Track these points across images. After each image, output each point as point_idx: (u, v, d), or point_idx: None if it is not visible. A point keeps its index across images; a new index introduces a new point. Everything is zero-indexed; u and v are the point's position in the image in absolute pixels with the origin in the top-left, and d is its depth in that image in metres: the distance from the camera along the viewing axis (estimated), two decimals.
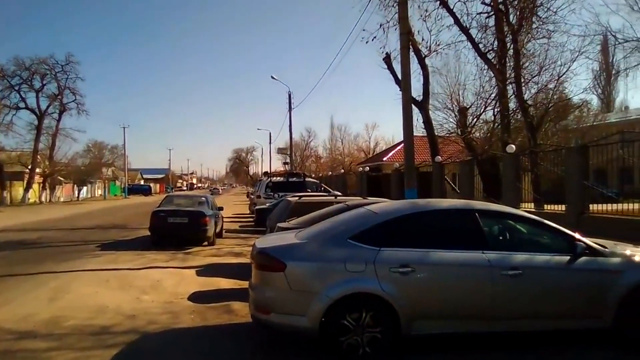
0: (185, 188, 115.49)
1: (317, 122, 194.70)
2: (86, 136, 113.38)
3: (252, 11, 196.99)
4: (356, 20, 37.74)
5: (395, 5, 15.60)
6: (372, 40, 19.89)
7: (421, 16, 19.06)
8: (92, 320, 6.57)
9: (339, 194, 20.12)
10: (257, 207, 18.92)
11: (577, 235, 5.38)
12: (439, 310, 5.01)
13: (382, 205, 6.22)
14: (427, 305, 4.97)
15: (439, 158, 19.86)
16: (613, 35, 13.60)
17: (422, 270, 4.95)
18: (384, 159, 41.13)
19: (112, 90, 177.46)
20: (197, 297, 7.93)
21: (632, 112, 41.35)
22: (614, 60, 15.64)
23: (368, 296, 4.88)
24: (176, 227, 14.15)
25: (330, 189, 24.49)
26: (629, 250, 5.64)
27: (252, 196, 27.58)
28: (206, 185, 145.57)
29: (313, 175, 45.25)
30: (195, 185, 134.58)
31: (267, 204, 17.10)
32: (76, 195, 61.59)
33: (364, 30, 20.00)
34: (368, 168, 32.13)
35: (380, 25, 19.62)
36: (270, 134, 64.63)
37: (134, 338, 5.82)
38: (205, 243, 14.53)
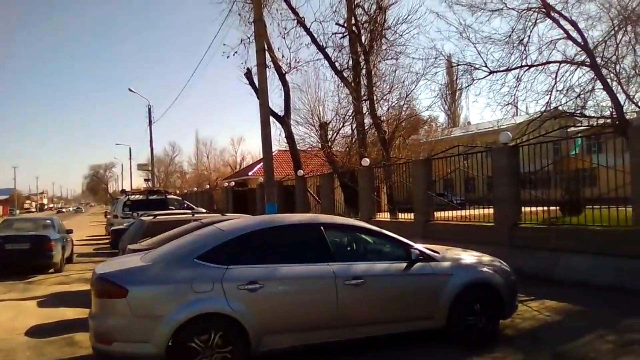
0: (34, 209, 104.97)
1: (182, 136, 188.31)
2: None
3: (108, 20, 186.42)
4: (217, 35, 37.59)
5: (253, 22, 15.76)
6: (234, 55, 20.05)
7: (280, 33, 19.60)
8: None
9: (204, 210, 19.67)
10: (113, 228, 17.82)
11: (412, 243, 5.82)
12: (288, 324, 5.09)
13: (230, 222, 6.19)
14: (276, 320, 5.03)
15: (301, 172, 20.33)
16: (448, 59, 15.06)
17: (270, 285, 5.01)
18: (250, 173, 41.07)
19: None
20: (36, 331, 7.21)
21: (472, 126, 46.06)
22: (456, 79, 17.52)
23: (216, 316, 4.83)
24: (16, 254, 12.76)
25: (194, 206, 23.84)
26: (458, 254, 6.24)
27: (109, 216, 25.89)
28: (59, 206, 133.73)
29: (178, 192, 43.82)
30: (46, 206, 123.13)
31: (125, 224, 16.18)
32: None
33: (224, 44, 20.02)
34: (234, 183, 31.85)
35: (241, 41, 19.85)
36: (130, 149, 61.31)
37: None
38: (52, 270, 13.30)
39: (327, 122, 22.20)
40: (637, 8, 10.33)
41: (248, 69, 20.97)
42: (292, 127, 21.92)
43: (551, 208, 11.01)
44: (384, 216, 15.85)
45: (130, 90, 39.02)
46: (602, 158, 9.56)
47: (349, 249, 5.96)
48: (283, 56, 20.56)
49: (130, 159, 60.01)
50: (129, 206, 20.57)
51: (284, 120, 21.35)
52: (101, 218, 49.94)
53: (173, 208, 19.63)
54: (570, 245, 9.03)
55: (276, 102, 39.55)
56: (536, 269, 9.26)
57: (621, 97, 10.70)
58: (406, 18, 19.13)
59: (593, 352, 5.40)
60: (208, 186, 42.70)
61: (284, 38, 19.72)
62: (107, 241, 20.72)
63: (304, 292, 5.18)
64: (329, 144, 21.63)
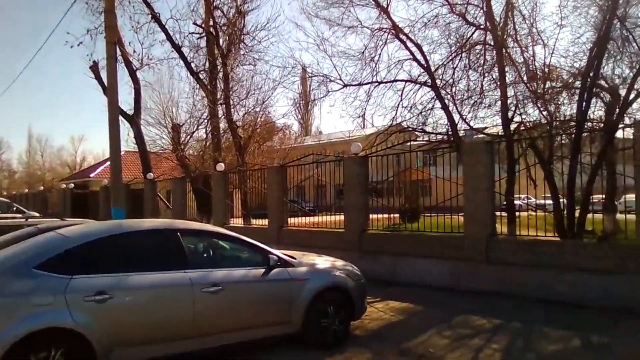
0: None
1: (12, 132, 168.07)
2: None
3: None
4: (61, 21, 34.09)
5: (103, 12, 14.73)
6: (78, 45, 18.56)
7: (133, 27, 18.58)
8: None
9: (37, 215, 17.83)
10: None
11: (270, 249, 5.87)
12: (141, 336, 4.80)
13: (75, 228, 5.65)
14: (128, 333, 4.72)
15: (151, 175, 19.44)
16: (304, 69, 15.52)
17: (120, 296, 4.68)
18: (92, 175, 38.22)
19: None
20: None
21: (324, 136, 48.02)
22: (310, 90, 18.07)
23: (58, 331, 4.37)
24: None
25: (25, 210, 21.46)
26: (313, 259, 6.42)
27: None
28: None
29: (5, 194, 39.09)
30: None
31: None
32: None
33: (68, 33, 18.40)
34: (73, 185, 29.28)
35: (88, 31, 18.48)
36: None
37: None
38: None
39: (181, 124, 21.58)
40: (472, 38, 11.66)
41: (95, 61, 19.65)
42: (142, 127, 20.98)
43: (395, 215, 11.91)
44: (238, 222, 15.77)
45: None
46: (439, 171, 10.56)
47: (206, 255, 5.81)
48: (135, 51, 19.57)
49: None
50: None
51: (134, 120, 20.30)
52: None
53: None
54: (410, 249, 9.85)
55: (125, 100, 37.46)
56: (382, 272, 9.90)
57: (456, 117, 11.93)
58: (265, 25, 19.41)
59: (432, 347, 5.91)
60: (42, 187, 38.70)
61: (136, 33, 18.75)
62: None
63: (159, 302, 4.92)
64: (182, 146, 21.00)
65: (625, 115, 10.05)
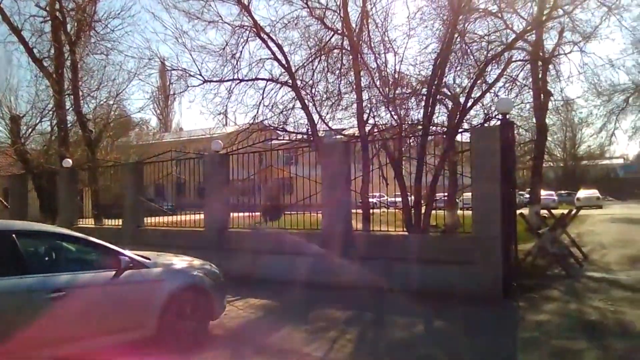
0: None
1: None
2: None
3: None
4: None
5: None
6: None
7: None
8: None
9: None
10: None
11: (121, 250, 5.52)
12: None
13: None
14: None
15: None
16: (162, 62, 14.87)
17: None
18: None
19: None
20: None
21: (185, 132, 46.57)
22: (170, 84, 17.17)
23: None
24: None
25: None
26: (169, 259, 6.18)
27: None
28: None
29: None
30: None
31: None
32: None
33: None
34: None
35: None
36: None
37: None
38: None
39: (21, 115, 19.49)
40: (330, 42, 12.07)
41: None
42: None
43: (257, 214, 11.94)
44: (89, 222, 14.68)
45: None
46: (299, 170, 10.81)
47: (48, 259, 5.28)
48: None
49: None
50: None
51: None
52: None
53: None
54: (271, 247, 9.95)
55: None
56: (243, 270, 9.81)
57: (316, 117, 12.25)
58: (119, 13, 18.33)
59: (289, 342, 6.03)
60: None
61: None
62: None
63: None
64: (22, 140, 18.98)
65: (464, 120, 11.15)
